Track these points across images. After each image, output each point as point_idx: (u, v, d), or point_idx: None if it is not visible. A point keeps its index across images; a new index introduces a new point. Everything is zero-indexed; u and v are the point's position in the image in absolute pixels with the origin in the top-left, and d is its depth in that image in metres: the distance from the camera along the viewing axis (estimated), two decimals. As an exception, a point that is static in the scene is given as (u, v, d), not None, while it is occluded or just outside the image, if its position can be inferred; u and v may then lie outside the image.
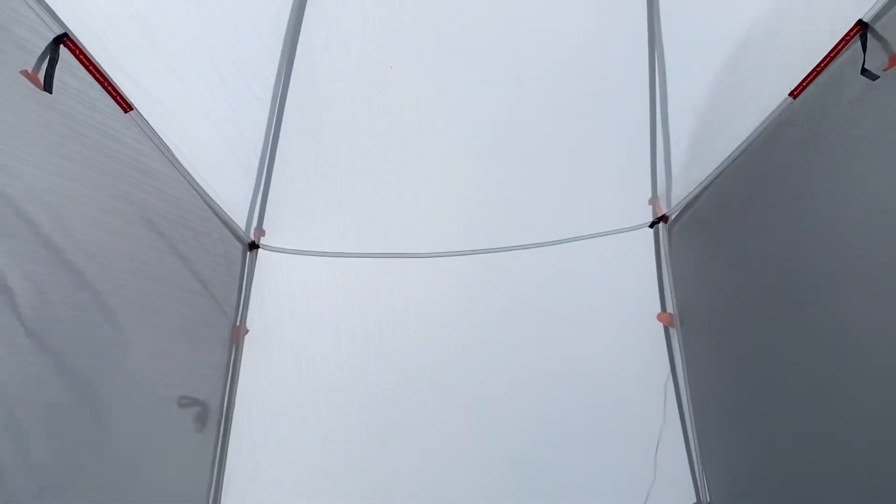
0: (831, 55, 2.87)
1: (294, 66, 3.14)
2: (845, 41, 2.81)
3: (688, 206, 3.75)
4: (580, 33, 3.34)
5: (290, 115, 3.32)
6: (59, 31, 2.23)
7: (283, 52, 3.08)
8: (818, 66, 2.92)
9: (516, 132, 3.63)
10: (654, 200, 3.95)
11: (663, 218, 3.90)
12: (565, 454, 4.17)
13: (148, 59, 2.70)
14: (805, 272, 3.15)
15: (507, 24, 3.26)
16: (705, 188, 3.59)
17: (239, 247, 3.55)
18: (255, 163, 3.42)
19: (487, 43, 3.29)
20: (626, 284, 4.17)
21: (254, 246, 3.62)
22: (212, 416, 3.49)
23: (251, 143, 3.34)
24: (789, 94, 3.05)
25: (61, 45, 2.23)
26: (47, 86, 2.18)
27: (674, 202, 3.83)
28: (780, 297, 3.28)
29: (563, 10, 3.25)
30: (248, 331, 3.73)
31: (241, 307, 3.67)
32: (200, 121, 3.05)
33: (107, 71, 2.52)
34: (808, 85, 2.98)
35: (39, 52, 2.20)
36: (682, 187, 3.73)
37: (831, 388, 3.02)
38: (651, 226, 3.96)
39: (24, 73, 2.15)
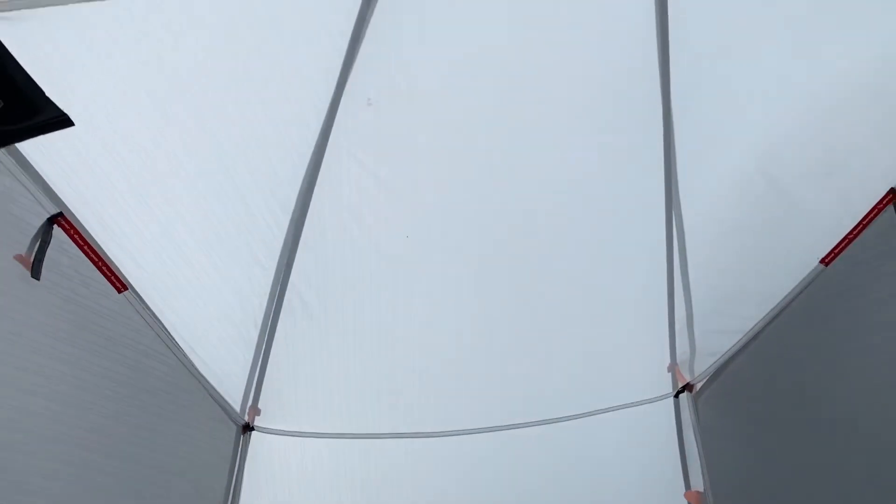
0: (863, 223, 2.79)
1: (302, 236, 3.00)
2: (878, 209, 2.73)
3: (716, 374, 3.53)
4: (595, 184, 3.23)
5: (294, 284, 3.13)
6: (53, 211, 2.11)
7: (290, 222, 2.95)
8: (850, 233, 2.83)
9: (524, 297, 3.44)
10: (673, 367, 3.71)
11: (687, 387, 3.66)
12: None
13: (148, 229, 2.55)
14: (858, 441, 2.96)
15: (516, 185, 3.17)
16: (735, 356, 3.39)
17: (233, 428, 3.26)
18: (255, 335, 3.19)
19: (488, 201, 3.17)
20: (645, 460, 3.85)
21: (248, 428, 3.31)
22: None
23: (251, 315, 3.13)
24: (821, 262, 2.93)
25: (55, 225, 2.11)
26: (35, 272, 2.01)
27: (698, 371, 3.61)
28: (835, 472, 3.05)
29: (578, 159, 3.16)
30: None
31: (230, 494, 3.30)
32: (199, 291, 2.88)
33: (103, 246, 2.38)
34: (840, 252, 2.87)
35: (34, 230, 2.07)
36: (708, 355, 3.52)
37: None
38: (676, 395, 3.71)
39: (18, 257, 2.01)
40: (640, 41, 2.75)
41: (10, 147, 1.93)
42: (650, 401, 3.68)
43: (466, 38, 2.71)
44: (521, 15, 2.66)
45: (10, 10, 1.65)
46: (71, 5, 1.77)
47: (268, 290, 3.12)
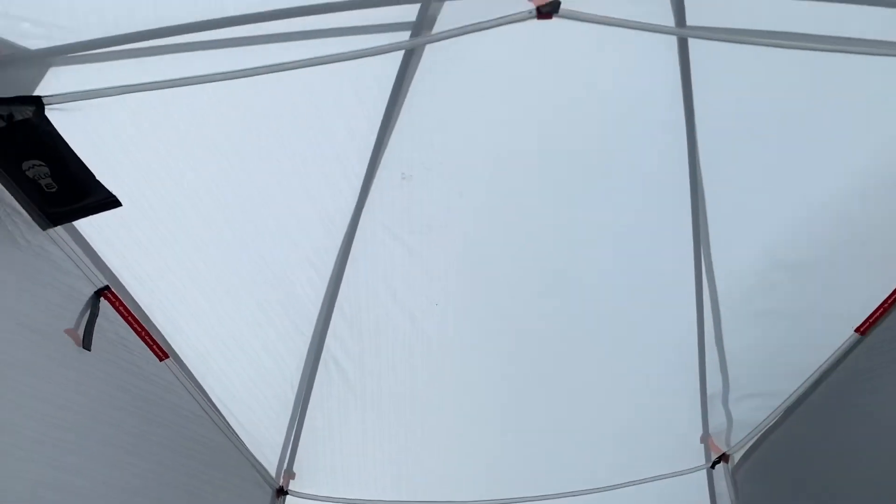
0: (900, 291, 2.75)
1: (337, 303, 3.10)
2: (913, 277, 2.70)
3: (754, 446, 3.45)
4: (627, 259, 3.26)
5: (330, 349, 3.22)
6: (100, 284, 2.24)
7: (327, 290, 3.06)
8: (885, 301, 2.78)
9: (555, 367, 3.45)
10: (706, 438, 3.64)
11: (723, 457, 3.58)
12: None
13: (190, 294, 2.67)
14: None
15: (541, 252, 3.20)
16: (773, 427, 3.33)
17: (268, 492, 3.31)
18: (291, 398, 3.26)
19: (519, 271, 3.22)
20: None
21: (282, 492, 3.35)
22: None
23: (287, 378, 3.21)
24: (855, 330, 2.89)
25: (101, 298, 2.23)
26: (86, 343, 2.13)
27: (734, 442, 3.54)
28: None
29: (608, 236, 3.19)
30: None
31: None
32: (237, 354, 2.96)
33: (147, 312, 2.51)
34: (876, 321, 2.83)
35: (83, 298, 2.20)
36: (745, 426, 3.47)
37: None
38: (712, 466, 3.63)
39: (69, 332, 2.14)
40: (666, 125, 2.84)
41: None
42: (683, 472, 3.61)
43: (500, 117, 2.80)
44: (547, 98, 2.76)
45: (70, 101, 1.80)
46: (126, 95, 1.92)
47: (304, 353, 3.20)
